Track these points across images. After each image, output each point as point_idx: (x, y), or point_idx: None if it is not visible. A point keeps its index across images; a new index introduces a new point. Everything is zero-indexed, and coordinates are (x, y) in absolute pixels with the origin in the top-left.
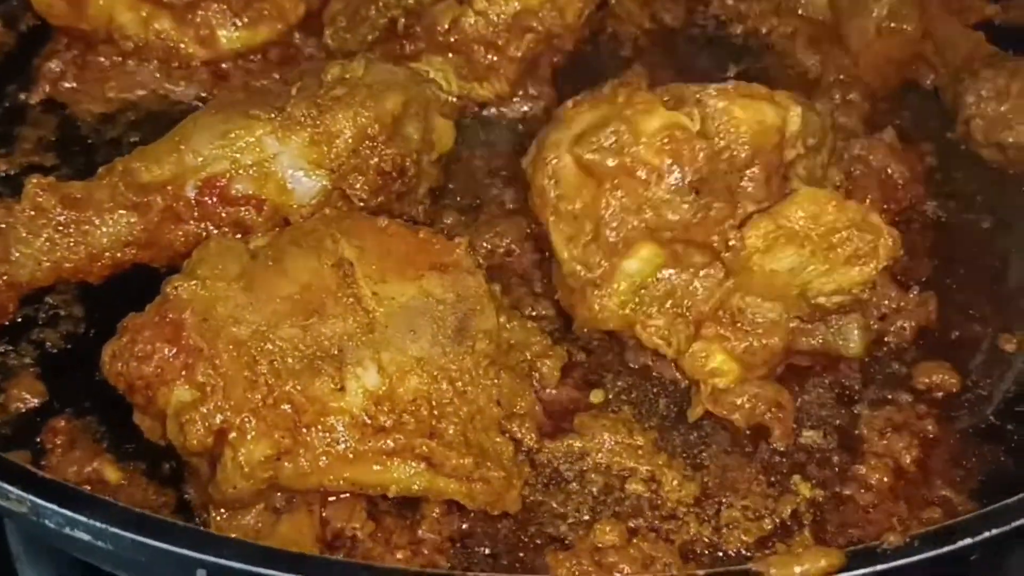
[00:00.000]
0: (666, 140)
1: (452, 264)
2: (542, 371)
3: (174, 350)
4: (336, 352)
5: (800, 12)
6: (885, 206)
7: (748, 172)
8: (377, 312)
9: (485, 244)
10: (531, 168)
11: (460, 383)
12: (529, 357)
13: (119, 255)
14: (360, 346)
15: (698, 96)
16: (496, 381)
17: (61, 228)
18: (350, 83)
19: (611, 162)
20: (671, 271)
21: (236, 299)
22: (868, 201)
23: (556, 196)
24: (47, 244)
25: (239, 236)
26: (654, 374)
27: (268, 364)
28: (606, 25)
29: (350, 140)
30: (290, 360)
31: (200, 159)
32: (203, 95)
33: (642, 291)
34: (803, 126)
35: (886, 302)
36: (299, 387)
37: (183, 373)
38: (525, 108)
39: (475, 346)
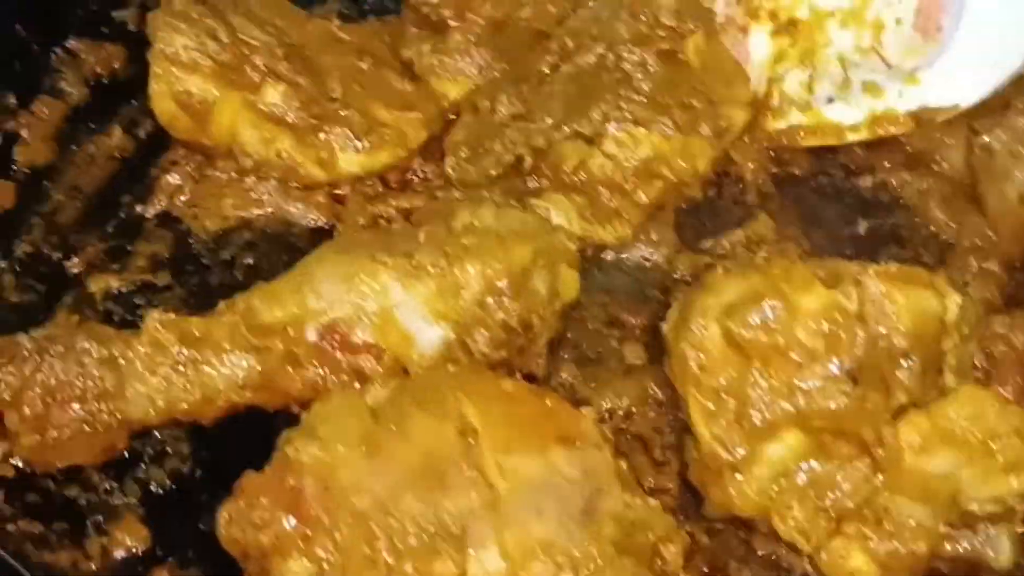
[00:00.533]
0: (824, 322)
1: (579, 436)
2: (664, 556)
3: (293, 520)
4: (458, 531)
5: (935, 167)
6: None
7: (905, 362)
8: (501, 486)
9: (604, 403)
10: (673, 333)
11: (585, 571)
12: (651, 539)
13: (234, 397)
14: (483, 524)
15: (857, 276)
16: (622, 569)
17: (178, 367)
18: (480, 231)
19: (764, 339)
20: (816, 461)
21: (358, 465)
22: (1011, 386)
23: (699, 367)
24: (163, 383)
25: (357, 386)
26: (783, 565)
27: (388, 541)
28: (729, 169)
29: (477, 292)
30: (411, 537)
31: (323, 303)
32: (319, 219)
33: (783, 479)
34: (961, 315)
35: None
36: (419, 569)
37: (301, 545)
38: (645, 253)
39: (601, 530)
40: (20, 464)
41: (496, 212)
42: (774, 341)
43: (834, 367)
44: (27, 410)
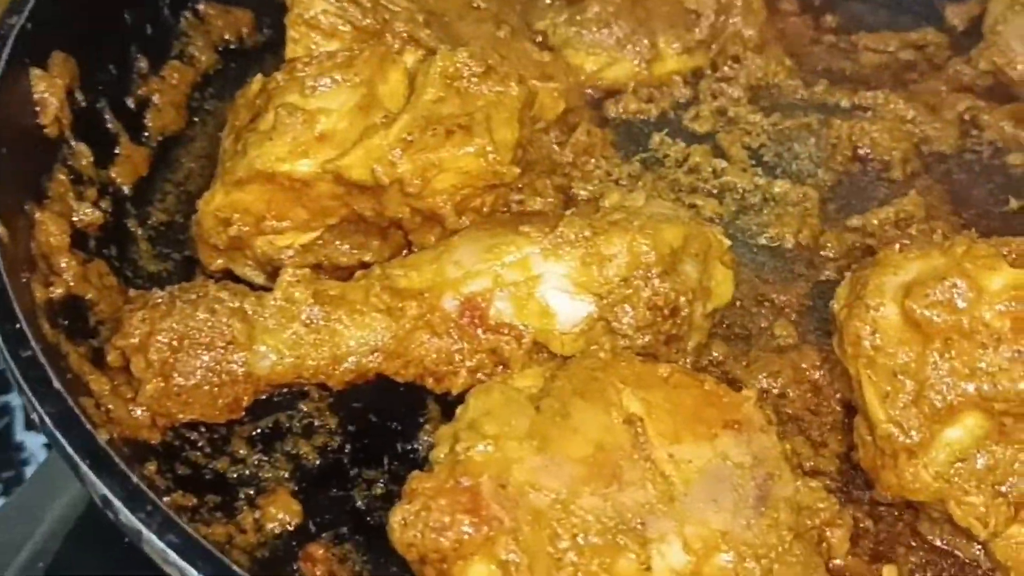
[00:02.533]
0: (1012, 302)
1: (743, 420)
2: (831, 541)
3: (473, 521)
4: (638, 524)
5: None
6: None
7: None
8: (674, 477)
9: (757, 383)
10: (845, 312)
11: (766, 560)
12: (818, 524)
13: (364, 361)
14: (662, 518)
15: None
16: (798, 556)
17: (309, 323)
18: (630, 211)
19: (947, 319)
20: (996, 445)
21: (531, 461)
22: None
23: (874, 347)
24: (293, 338)
25: (499, 368)
26: (951, 551)
27: (571, 539)
28: (873, 146)
29: (623, 266)
30: (593, 534)
31: (462, 271)
32: None
33: (960, 464)
34: None
35: None
36: (605, 566)
37: (483, 547)
38: (790, 232)
39: (779, 517)
40: (142, 413)
41: (648, 198)
42: (958, 321)
43: (1021, 349)
44: (154, 355)
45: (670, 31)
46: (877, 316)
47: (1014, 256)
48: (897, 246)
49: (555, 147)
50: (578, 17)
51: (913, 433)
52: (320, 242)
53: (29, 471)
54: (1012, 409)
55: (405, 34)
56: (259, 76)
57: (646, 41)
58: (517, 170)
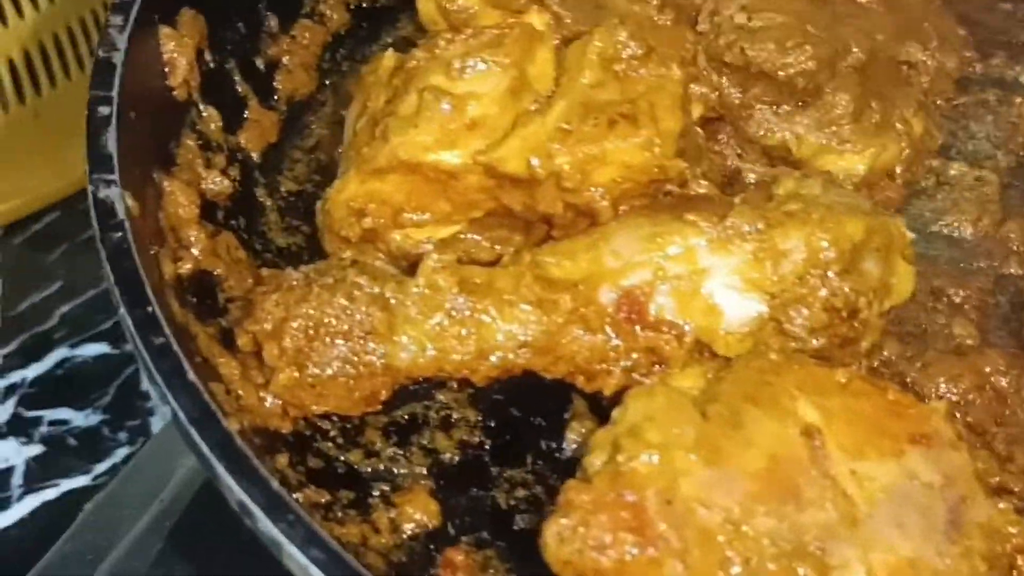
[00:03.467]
0: None
1: (932, 435)
2: (1021, 567)
3: (638, 540)
4: (817, 549)
5: None
6: None
7: None
8: (857, 497)
9: (935, 389)
10: None
11: None
12: (1008, 550)
13: (511, 356)
14: (844, 543)
15: None
16: None
17: (454, 314)
18: (806, 199)
19: None
20: None
21: (700, 474)
22: None
23: None
24: (436, 328)
25: (656, 368)
26: None
27: (743, 563)
28: None
29: (800, 263)
30: (767, 559)
31: (620, 261)
32: None
33: None
34: None
35: None
36: None
37: (648, 569)
38: (969, 220)
39: (972, 545)
40: (274, 402)
41: (825, 184)
42: None
43: None
44: (288, 342)
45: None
46: None
47: None
48: None
49: (699, 131)
50: (826, 117)
51: None
52: (461, 236)
53: (154, 421)
54: None
55: None
56: (391, 52)
57: (898, 112)
58: (683, 164)
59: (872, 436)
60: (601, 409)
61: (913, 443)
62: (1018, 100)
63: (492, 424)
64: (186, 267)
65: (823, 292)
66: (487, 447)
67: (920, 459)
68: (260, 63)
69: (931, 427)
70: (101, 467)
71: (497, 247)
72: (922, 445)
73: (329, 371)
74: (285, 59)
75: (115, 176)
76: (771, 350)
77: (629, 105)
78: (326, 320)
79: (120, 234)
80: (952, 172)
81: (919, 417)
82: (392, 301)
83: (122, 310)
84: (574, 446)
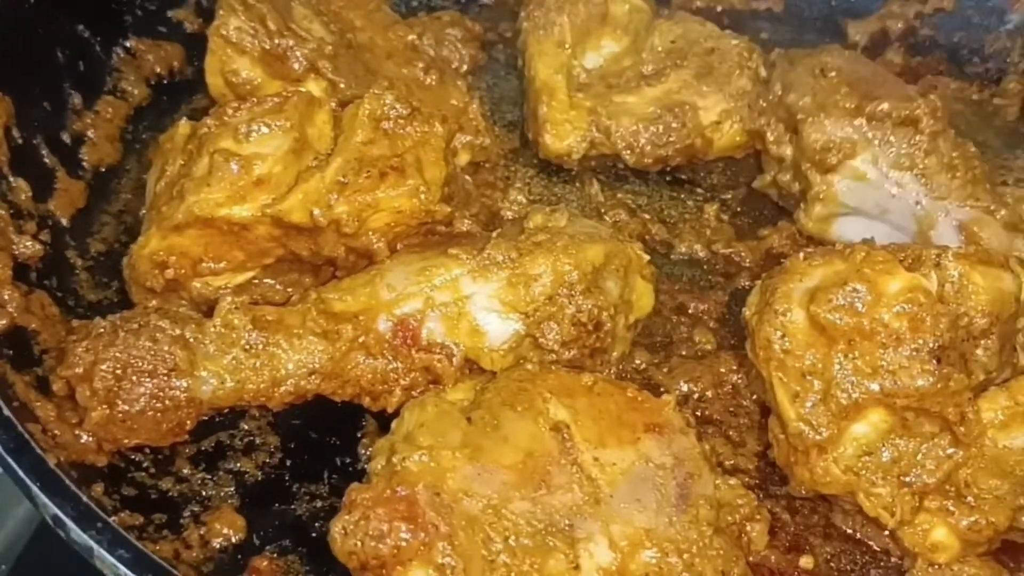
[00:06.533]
0: (908, 304)
1: (664, 423)
2: (750, 535)
3: (410, 528)
4: (566, 526)
5: None
6: None
7: (984, 341)
8: (600, 480)
9: (679, 388)
10: (756, 319)
11: (688, 555)
12: (738, 519)
13: (302, 383)
14: (589, 519)
15: (937, 259)
16: (719, 549)
17: (249, 348)
18: (553, 231)
19: (849, 322)
20: (900, 439)
21: (464, 469)
22: None
23: (783, 351)
24: (233, 363)
25: (432, 385)
26: (863, 540)
27: (503, 541)
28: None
29: (548, 285)
30: (524, 537)
31: (394, 293)
32: None
33: (867, 457)
34: None
35: None
36: (536, 566)
37: (420, 552)
38: (705, 244)
39: (699, 514)
40: (89, 439)
41: (570, 217)
42: (859, 324)
43: (918, 347)
44: (98, 383)
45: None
46: (785, 321)
47: (910, 260)
48: (801, 254)
49: (468, 179)
50: None
51: (822, 430)
52: (255, 281)
53: None
54: (912, 404)
55: (306, 62)
56: (185, 120)
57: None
58: (448, 208)
59: (613, 428)
60: (389, 426)
61: (648, 431)
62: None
63: (292, 446)
64: (1, 323)
65: (570, 309)
66: (288, 466)
67: (654, 444)
68: (66, 137)
69: (663, 417)
70: None
71: (289, 289)
72: (655, 433)
73: (137, 407)
74: (90, 132)
75: None
76: (529, 362)
77: (398, 159)
78: (132, 361)
79: None
80: (690, 203)
81: (653, 409)
82: (192, 340)
83: None
84: (366, 459)
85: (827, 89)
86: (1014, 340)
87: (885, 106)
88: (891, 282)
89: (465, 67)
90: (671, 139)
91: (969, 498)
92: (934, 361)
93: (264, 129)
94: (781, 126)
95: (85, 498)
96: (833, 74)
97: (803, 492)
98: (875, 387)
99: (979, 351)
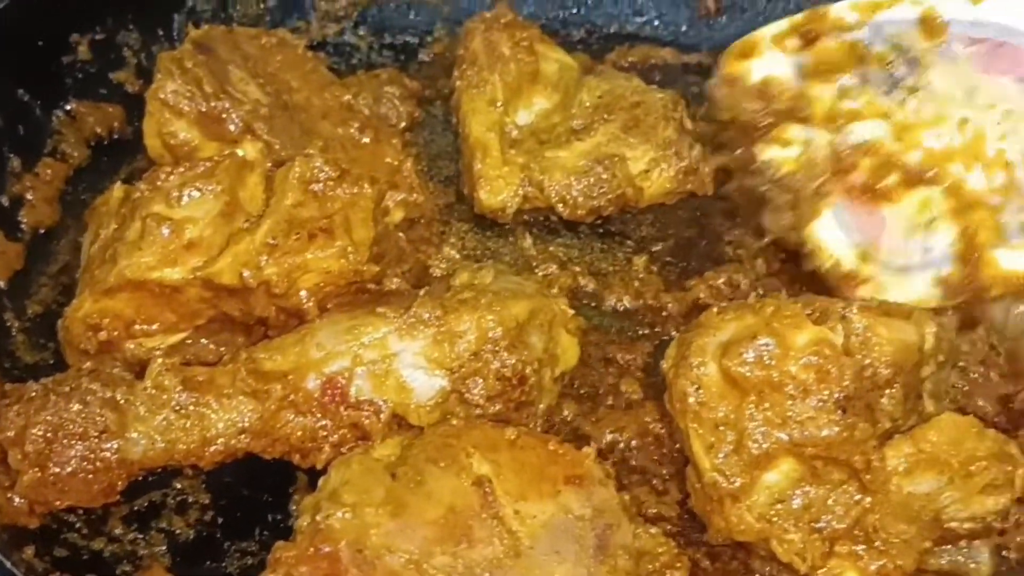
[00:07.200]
0: (814, 356)
1: (584, 475)
2: None
3: None
4: None
5: None
6: None
7: (889, 390)
8: (521, 532)
9: (605, 438)
10: (673, 372)
11: None
12: (658, 567)
13: (233, 442)
14: (509, 571)
15: (843, 312)
16: None
17: (179, 409)
18: (477, 288)
19: (759, 374)
20: (810, 487)
21: (387, 525)
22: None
23: (698, 403)
24: (163, 424)
25: (360, 441)
26: None
27: None
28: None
29: (472, 342)
30: None
31: (323, 352)
32: None
33: (779, 505)
34: (937, 343)
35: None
36: None
37: None
38: (633, 295)
39: (617, 564)
40: (20, 501)
41: (496, 274)
42: (768, 376)
43: (824, 398)
44: (30, 447)
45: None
46: (700, 374)
47: (817, 314)
48: (715, 308)
49: (401, 236)
50: None
51: (735, 480)
52: (188, 342)
53: None
54: (821, 453)
55: (241, 124)
56: (119, 184)
57: None
58: (376, 268)
59: (534, 480)
60: (318, 482)
61: (568, 483)
62: None
63: (224, 503)
64: None
65: (495, 365)
66: (220, 523)
67: (574, 496)
68: (5, 200)
69: (583, 469)
70: None
71: (222, 349)
72: (575, 484)
73: (69, 469)
74: (29, 195)
75: None
76: (456, 417)
77: (327, 220)
78: (63, 424)
79: None
80: (619, 255)
81: (574, 461)
82: (123, 402)
83: None
84: (296, 515)
85: None
86: (919, 389)
87: None
88: (799, 335)
89: (403, 124)
90: (603, 190)
91: (877, 543)
92: (840, 411)
93: (195, 193)
94: None
95: (10, 564)
96: None
97: (720, 540)
98: (785, 437)
99: (884, 400)
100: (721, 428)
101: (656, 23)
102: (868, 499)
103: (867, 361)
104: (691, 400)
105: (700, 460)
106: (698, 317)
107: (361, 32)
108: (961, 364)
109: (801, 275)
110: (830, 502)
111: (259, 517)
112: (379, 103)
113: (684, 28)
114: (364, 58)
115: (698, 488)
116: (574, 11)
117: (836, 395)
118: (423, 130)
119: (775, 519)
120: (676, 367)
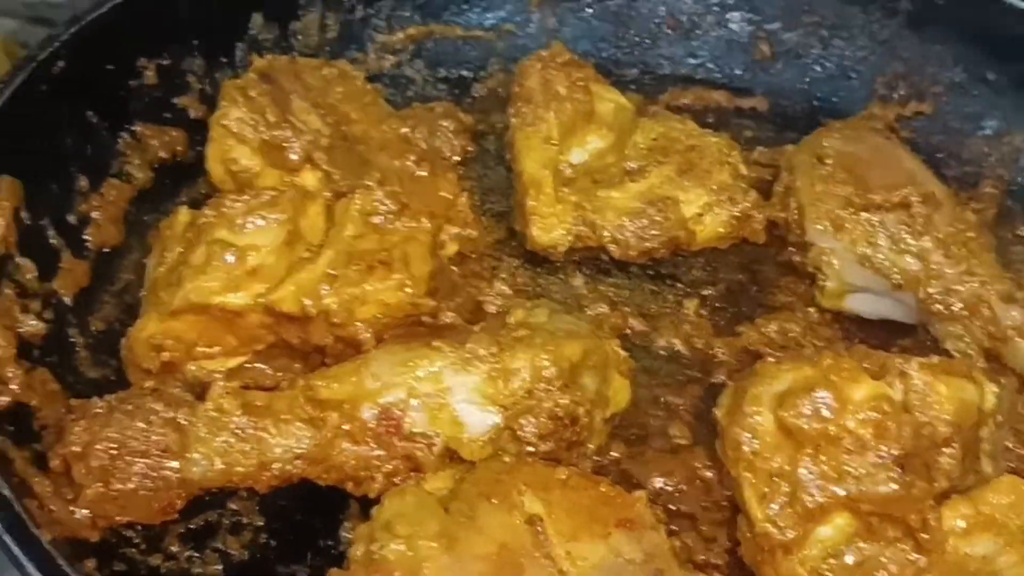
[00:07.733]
0: (873, 412)
1: (635, 519)
2: None
3: None
4: None
5: None
6: None
7: (947, 449)
8: (571, 573)
9: (654, 482)
10: (726, 419)
11: None
12: None
13: (288, 467)
14: None
15: (903, 368)
16: None
17: (238, 432)
18: (533, 326)
19: (815, 427)
20: (864, 543)
21: (440, 559)
22: None
23: (752, 452)
24: (223, 446)
25: (413, 472)
26: None
27: None
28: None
29: (526, 380)
30: None
31: (379, 383)
32: None
33: (832, 559)
34: (997, 403)
35: None
36: None
37: None
38: (683, 339)
39: None
40: (83, 514)
41: (551, 313)
42: (825, 429)
43: (882, 454)
44: (94, 462)
45: None
46: (755, 423)
47: (875, 368)
48: (771, 358)
49: (454, 270)
50: None
51: (788, 531)
52: (247, 365)
53: None
54: (877, 509)
55: (302, 153)
56: (185, 209)
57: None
58: (432, 303)
59: (585, 522)
60: (370, 510)
61: (619, 526)
62: None
63: (277, 527)
64: (4, 400)
65: (547, 404)
66: (272, 547)
67: (624, 539)
68: (72, 219)
69: (634, 513)
70: None
71: (280, 374)
72: (626, 528)
73: (131, 485)
74: (95, 214)
75: None
76: (507, 454)
77: (385, 253)
78: (127, 442)
79: None
80: (671, 297)
81: (625, 505)
82: (184, 423)
83: None
84: (346, 542)
85: (824, 177)
86: (977, 449)
87: (876, 198)
88: (857, 390)
89: (456, 157)
90: (655, 232)
91: None
92: (898, 468)
93: (260, 222)
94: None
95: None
96: (829, 162)
97: None
98: (841, 491)
99: (942, 459)
100: (775, 479)
101: (710, 65)
102: (923, 559)
103: (926, 419)
104: (745, 449)
105: (752, 510)
106: (752, 365)
107: (417, 65)
108: (1020, 427)
109: (855, 324)
110: (884, 559)
111: (310, 542)
112: (433, 136)
113: (738, 71)
114: (419, 91)
115: (749, 537)
116: (628, 51)
117: (894, 452)
118: (476, 164)
119: (827, 573)
120: (730, 415)
